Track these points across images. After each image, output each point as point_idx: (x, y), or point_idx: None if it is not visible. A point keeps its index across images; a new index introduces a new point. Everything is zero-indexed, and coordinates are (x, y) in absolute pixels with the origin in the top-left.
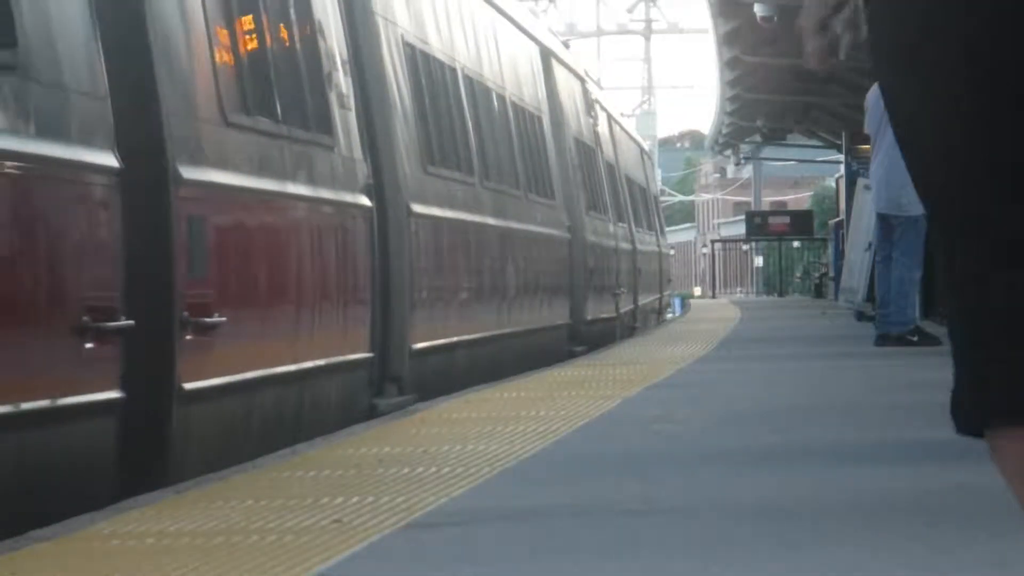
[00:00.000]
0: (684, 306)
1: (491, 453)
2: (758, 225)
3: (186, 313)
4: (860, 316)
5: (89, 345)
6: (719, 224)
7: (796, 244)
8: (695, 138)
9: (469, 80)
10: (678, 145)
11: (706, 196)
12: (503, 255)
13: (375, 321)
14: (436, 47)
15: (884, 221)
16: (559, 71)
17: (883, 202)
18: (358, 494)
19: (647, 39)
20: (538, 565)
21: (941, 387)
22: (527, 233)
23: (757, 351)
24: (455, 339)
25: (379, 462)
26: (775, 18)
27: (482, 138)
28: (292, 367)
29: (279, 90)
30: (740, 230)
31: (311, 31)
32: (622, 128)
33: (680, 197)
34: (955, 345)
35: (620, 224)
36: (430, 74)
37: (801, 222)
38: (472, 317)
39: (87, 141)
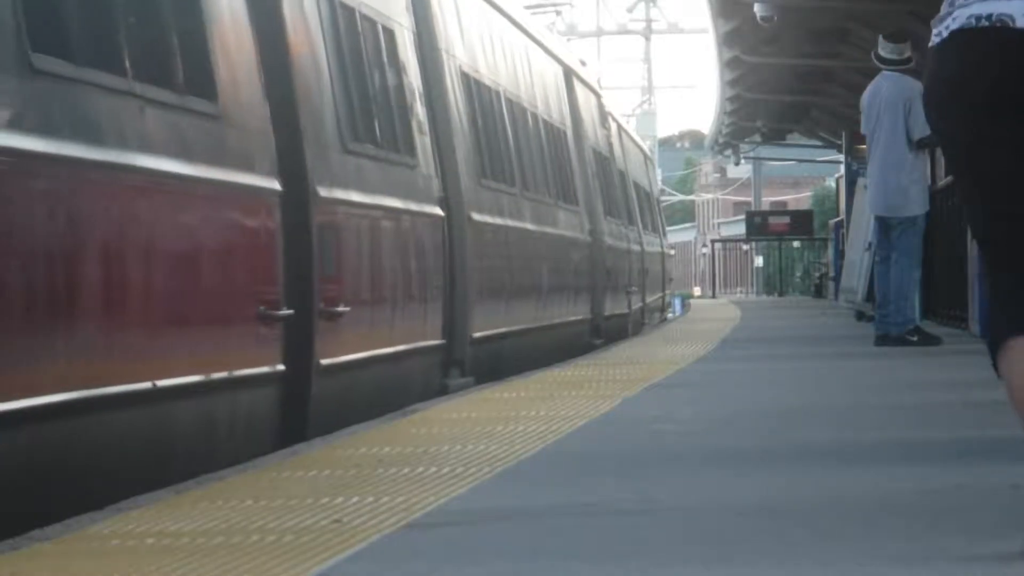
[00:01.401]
0: (684, 306)
1: (491, 453)
2: (758, 225)
3: (322, 304)
4: (860, 316)
5: (263, 330)
6: (719, 224)
7: (796, 244)
8: (695, 138)
9: (509, 101)
10: (678, 145)
11: (706, 196)
12: (539, 257)
13: (445, 313)
14: (484, 74)
15: (882, 222)
16: (579, 88)
17: (880, 205)
18: (358, 494)
19: (647, 39)
20: (538, 565)
21: (941, 387)
22: (557, 237)
23: (757, 351)
24: (503, 330)
25: (379, 462)
26: (775, 18)
27: (520, 152)
28: (391, 349)
29: (379, 122)
30: (740, 230)
31: (397, 69)
32: (628, 136)
33: (680, 197)
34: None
35: (631, 227)
36: (480, 98)
37: (801, 222)
38: (516, 311)
39: (262, 170)
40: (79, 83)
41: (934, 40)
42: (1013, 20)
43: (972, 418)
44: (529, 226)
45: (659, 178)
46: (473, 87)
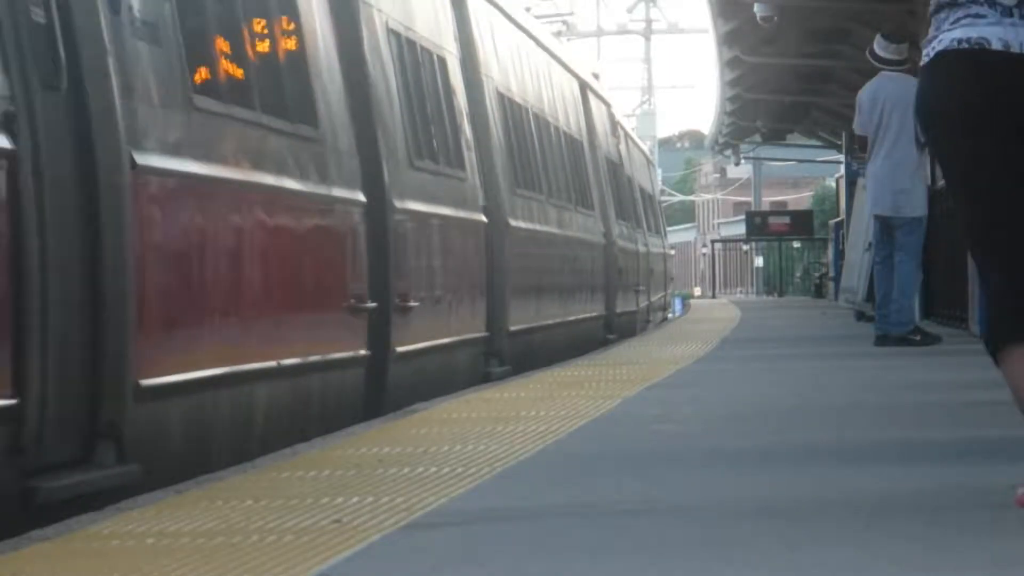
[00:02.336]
0: (684, 306)
1: (491, 453)
2: (758, 225)
3: (396, 299)
4: (860, 316)
5: (354, 320)
6: (719, 224)
7: (796, 244)
8: (695, 138)
9: (535, 116)
10: (678, 145)
11: (706, 196)
12: (562, 258)
13: (487, 309)
14: (515, 92)
15: (884, 222)
16: (593, 100)
17: (887, 205)
18: (358, 494)
19: (647, 39)
20: (538, 565)
21: (941, 387)
22: (577, 240)
23: (757, 351)
24: (533, 324)
25: (379, 462)
26: (775, 18)
27: (545, 162)
28: (447, 340)
29: (436, 140)
30: (740, 230)
31: (449, 93)
32: (633, 141)
33: (680, 197)
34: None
35: (638, 229)
36: (512, 115)
37: (801, 222)
38: (543, 308)
39: (351, 185)
40: (224, 117)
41: (923, 59)
42: (989, 43)
43: (972, 418)
44: (554, 230)
45: (659, 178)
46: (507, 105)
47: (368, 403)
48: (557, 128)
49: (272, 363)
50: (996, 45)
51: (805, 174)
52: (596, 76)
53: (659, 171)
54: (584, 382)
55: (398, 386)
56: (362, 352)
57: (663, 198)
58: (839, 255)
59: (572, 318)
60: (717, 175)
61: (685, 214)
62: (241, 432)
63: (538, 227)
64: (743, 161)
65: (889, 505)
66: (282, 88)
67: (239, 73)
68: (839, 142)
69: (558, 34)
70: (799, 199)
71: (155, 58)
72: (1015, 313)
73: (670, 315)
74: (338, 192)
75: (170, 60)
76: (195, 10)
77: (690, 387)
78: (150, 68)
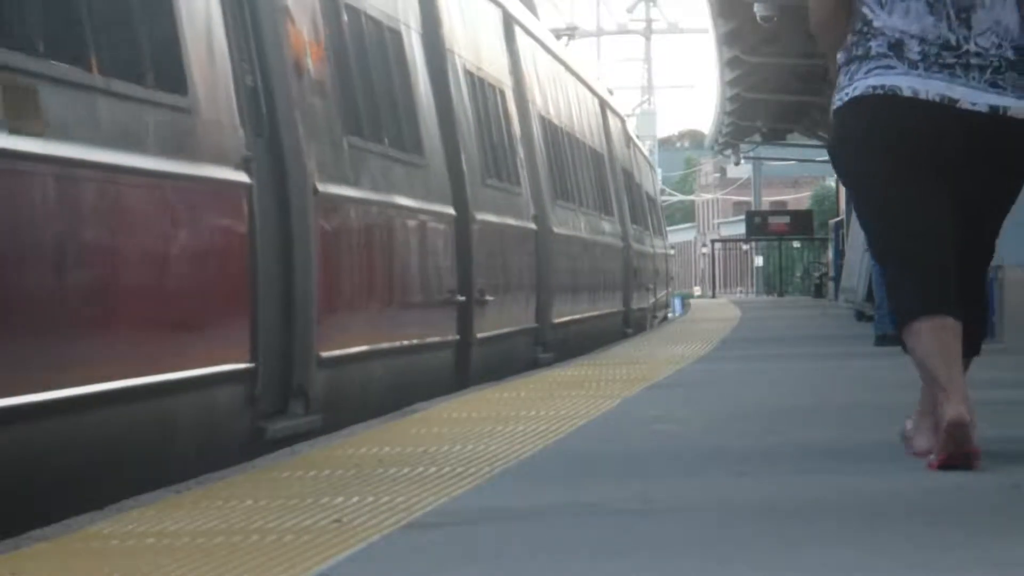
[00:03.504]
0: (684, 306)
1: (491, 453)
2: (758, 225)
3: (477, 294)
4: (860, 316)
5: (448, 311)
6: (719, 224)
7: (796, 244)
8: (695, 138)
9: (568, 135)
10: (678, 145)
11: (706, 196)
12: (591, 260)
13: (537, 304)
14: (552, 115)
15: None
16: (610, 116)
17: None
18: (358, 494)
19: (647, 39)
20: (538, 565)
21: None
22: (602, 244)
23: (757, 351)
24: (571, 318)
25: (379, 462)
26: (775, 18)
27: (576, 175)
28: (510, 329)
29: (499, 161)
30: (740, 230)
31: (507, 120)
32: (640, 150)
33: (680, 197)
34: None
35: (647, 232)
36: (551, 134)
37: (801, 222)
38: (578, 303)
39: (444, 200)
40: (364, 151)
41: (836, 103)
42: (901, 90)
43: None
44: (585, 235)
45: (659, 178)
46: (546, 126)
47: (457, 379)
48: (584, 144)
49: (398, 343)
50: (906, 92)
51: (805, 174)
52: (611, 92)
53: (659, 171)
54: (584, 382)
55: (477, 366)
56: (454, 337)
57: (663, 198)
58: (839, 255)
59: (598, 313)
60: (717, 175)
61: (685, 214)
62: (384, 392)
63: (574, 233)
64: (743, 161)
65: (889, 505)
66: (399, 126)
67: (373, 117)
68: None
69: (559, 37)
70: (799, 199)
71: (323, 109)
72: (909, 299)
73: (670, 315)
74: (437, 207)
75: (331, 111)
76: (342, 71)
77: (690, 387)
78: (320, 117)
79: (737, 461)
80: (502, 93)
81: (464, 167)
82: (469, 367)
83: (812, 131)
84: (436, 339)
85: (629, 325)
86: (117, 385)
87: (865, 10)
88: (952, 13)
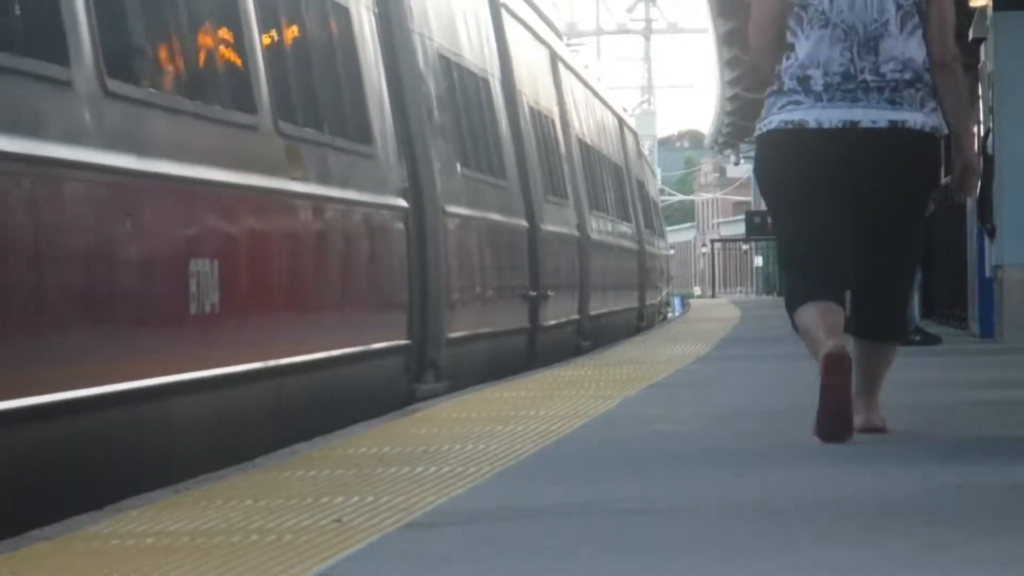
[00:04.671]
0: (684, 306)
1: (491, 453)
2: (758, 224)
3: (542, 291)
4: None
5: (523, 304)
6: (719, 224)
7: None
8: (695, 137)
9: (598, 153)
10: (678, 144)
11: (706, 195)
12: (616, 262)
13: (579, 300)
14: (587, 137)
15: None
16: (627, 133)
17: None
18: (358, 494)
19: (647, 39)
20: (538, 565)
21: (940, 387)
22: (624, 247)
23: (757, 351)
24: (601, 312)
25: (379, 462)
26: None
27: (605, 188)
28: (561, 319)
29: (553, 179)
30: (740, 230)
31: (556, 145)
32: (644, 159)
33: (680, 197)
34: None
35: (653, 234)
36: (587, 155)
37: None
38: (606, 300)
39: (519, 215)
40: (470, 179)
41: (758, 131)
42: (807, 123)
43: (971, 418)
44: (612, 241)
45: (659, 180)
46: (583, 148)
47: (527, 360)
48: (609, 160)
49: (494, 328)
50: (812, 124)
51: None
52: (625, 110)
53: (659, 171)
54: (584, 382)
55: (541, 349)
56: (527, 324)
57: (663, 198)
58: None
59: (621, 308)
60: (716, 175)
61: (684, 214)
62: (484, 366)
63: (605, 239)
64: (743, 160)
65: (889, 504)
66: (491, 156)
67: (474, 151)
68: None
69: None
70: None
71: (443, 147)
72: (799, 295)
73: (670, 314)
74: (517, 220)
75: (449, 147)
76: (455, 115)
77: (690, 387)
78: (443, 153)
79: (737, 461)
80: (552, 122)
81: (531, 187)
82: (536, 349)
83: None
84: (516, 326)
85: (643, 319)
86: (342, 352)
87: (789, 35)
88: (862, 41)
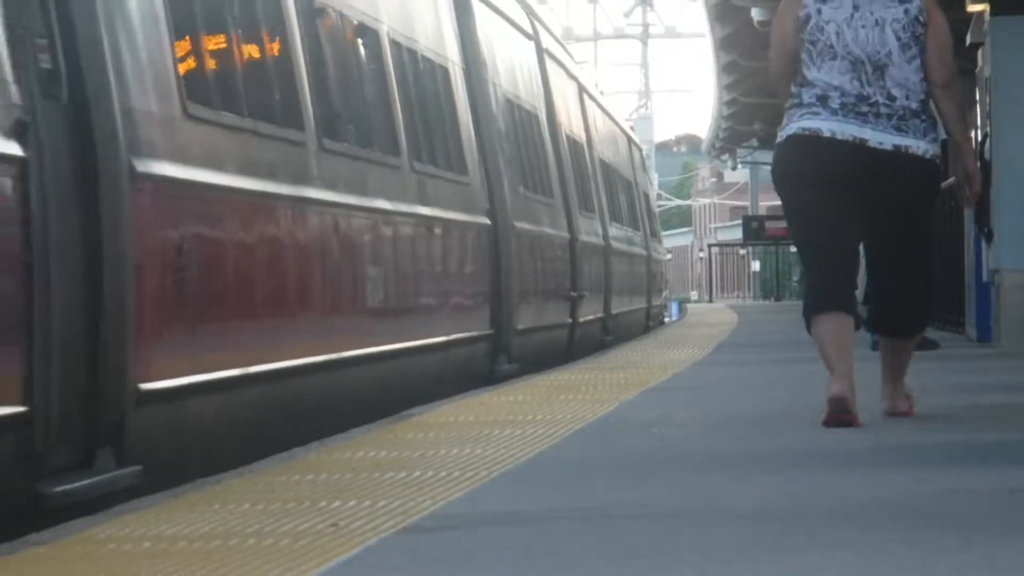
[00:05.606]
0: (681, 310)
1: (488, 457)
2: (755, 229)
3: (579, 292)
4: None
5: (566, 303)
6: (716, 228)
7: (793, 249)
8: (692, 142)
9: (615, 170)
10: (675, 149)
11: (703, 200)
12: (629, 267)
13: (604, 300)
14: (607, 156)
15: None
16: (634, 148)
17: None
18: (355, 498)
19: (644, 43)
20: (535, 569)
21: (937, 391)
22: (637, 254)
23: (754, 355)
24: (620, 311)
25: (376, 466)
26: (773, 22)
27: (621, 201)
28: (592, 317)
29: (584, 194)
30: (737, 234)
31: (584, 167)
32: (647, 171)
33: (677, 201)
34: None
35: (655, 241)
36: (606, 173)
37: None
38: (622, 300)
39: (563, 228)
40: (528, 198)
41: (779, 138)
42: (822, 132)
43: (969, 422)
44: (627, 248)
45: (656, 184)
46: (604, 167)
47: (567, 350)
48: (621, 175)
49: (547, 322)
50: (826, 133)
51: None
52: (632, 128)
53: (656, 175)
54: (582, 386)
55: (578, 342)
56: (569, 320)
57: (660, 203)
58: None
59: (634, 308)
60: (714, 179)
61: (682, 218)
62: (541, 352)
63: (622, 247)
64: (740, 165)
65: (887, 508)
66: (541, 178)
67: (531, 174)
68: None
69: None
70: None
71: (511, 172)
72: (815, 303)
73: (667, 319)
74: (562, 233)
75: (514, 172)
76: (518, 146)
77: (688, 391)
78: (511, 177)
79: (735, 465)
80: (581, 146)
81: (571, 201)
82: (574, 341)
83: None
84: (561, 321)
85: (650, 319)
86: (455, 336)
87: (802, 66)
88: (870, 70)
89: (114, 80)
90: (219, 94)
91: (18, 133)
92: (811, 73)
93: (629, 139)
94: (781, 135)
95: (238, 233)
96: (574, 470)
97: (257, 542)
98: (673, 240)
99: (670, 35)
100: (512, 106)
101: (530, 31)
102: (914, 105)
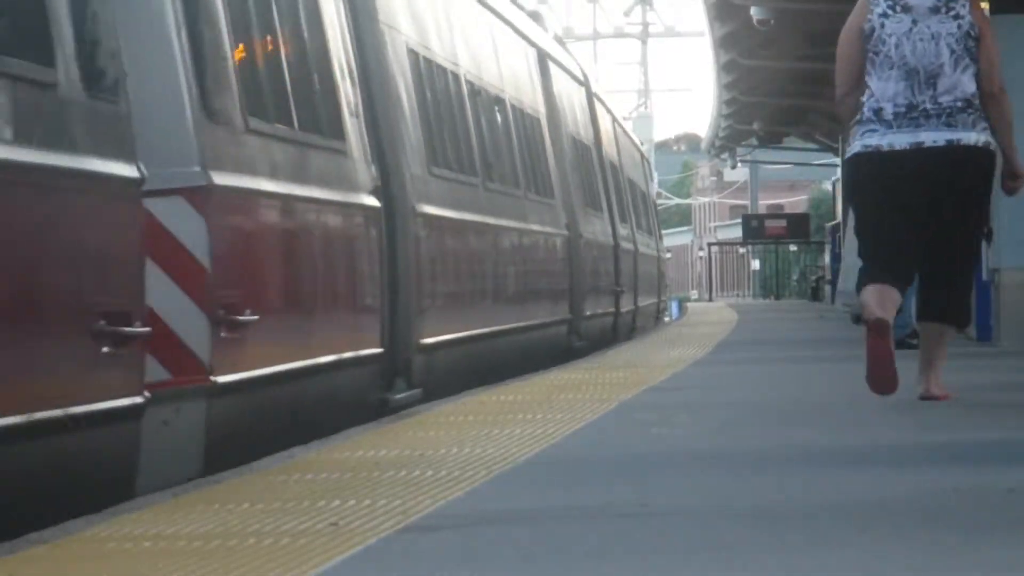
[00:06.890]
0: (681, 309)
1: (488, 456)
2: (755, 228)
3: (621, 287)
4: (857, 319)
5: (611, 296)
6: (715, 227)
7: (793, 247)
8: (691, 141)
9: (637, 186)
10: (675, 148)
11: (703, 199)
12: (647, 266)
13: (634, 294)
14: (618, 162)
15: None
16: (645, 164)
17: None
18: (355, 497)
19: (644, 42)
20: (535, 568)
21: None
22: (650, 254)
23: (754, 354)
24: (639, 305)
25: (376, 465)
26: (772, 21)
27: (635, 204)
28: (627, 308)
29: (592, 194)
30: (737, 233)
31: (599, 168)
32: (648, 171)
33: (677, 200)
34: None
35: (660, 242)
36: (616, 176)
37: (798, 225)
38: (642, 295)
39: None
40: (589, 211)
41: (848, 155)
42: (881, 148)
43: (968, 421)
44: (645, 251)
45: (656, 183)
46: (615, 171)
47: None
48: (633, 181)
49: (601, 310)
50: (885, 147)
51: (802, 177)
52: (641, 144)
53: (656, 174)
54: (581, 385)
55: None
56: (613, 310)
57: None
58: (836, 258)
59: (649, 302)
60: (713, 178)
61: (681, 217)
62: (598, 335)
63: (645, 250)
64: (739, 164)
65: (887, 507)
66: (594, 195)
67: (596, 192)
68: (836, 145)
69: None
70: (795, 202)
71: (581, 185)
72: (865, 278)
73: (666, 318)
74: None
75: (584, 195)
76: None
77: (687, 390)
78: (580, 190)
79: (735, 464)
80: (618, 169)
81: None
82: (617, 328)
83: (809, 134)
84: (607, 310)
85: (660, 312)
86: (541, 320)
87: (866, 76)
88: (923, 79)
89: (401, 157)
90: (454, 160)
91: (376, 193)
92: (872, 82)
93: (642, 156)
94: (849, 153)
95: (465, 250)
96: (574, 469)
97: (257, 542)
98: (673, 239)
99: (669, 34)
100: (575, 142)
101: (582, 79)
102: (959, 103)
